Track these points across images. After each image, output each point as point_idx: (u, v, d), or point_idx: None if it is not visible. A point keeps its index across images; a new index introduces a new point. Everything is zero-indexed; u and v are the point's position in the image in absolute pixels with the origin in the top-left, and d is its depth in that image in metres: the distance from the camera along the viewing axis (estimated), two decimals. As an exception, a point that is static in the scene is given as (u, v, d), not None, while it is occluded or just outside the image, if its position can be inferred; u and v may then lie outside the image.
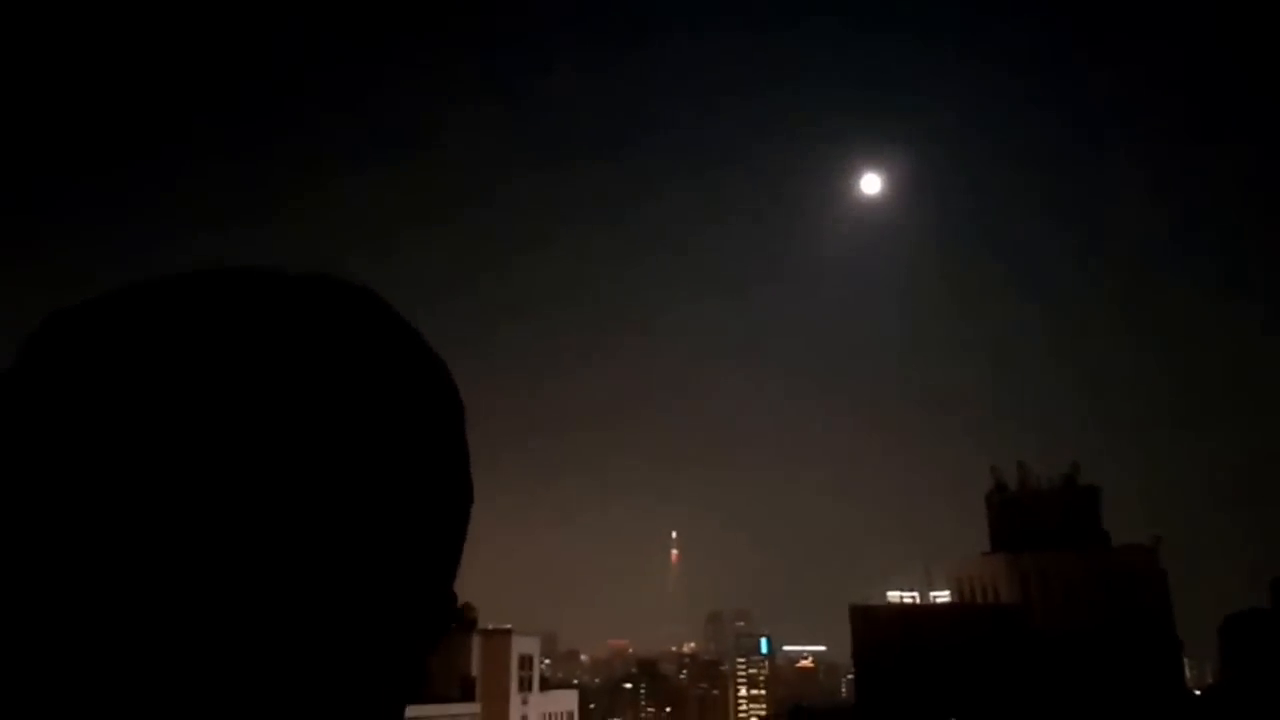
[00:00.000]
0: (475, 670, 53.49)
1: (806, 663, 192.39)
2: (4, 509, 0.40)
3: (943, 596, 72.48)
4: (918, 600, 75.28)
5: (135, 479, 0.39)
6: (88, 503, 0.39)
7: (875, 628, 60.62)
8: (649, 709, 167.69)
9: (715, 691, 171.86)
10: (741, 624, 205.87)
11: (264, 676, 0.41)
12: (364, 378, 0.44)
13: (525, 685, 57.71)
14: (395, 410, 0.45)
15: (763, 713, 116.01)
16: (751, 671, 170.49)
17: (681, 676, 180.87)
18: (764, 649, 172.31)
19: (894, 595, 79.03)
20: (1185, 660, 56.06)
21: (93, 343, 0.42)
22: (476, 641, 54.25)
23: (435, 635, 0.50)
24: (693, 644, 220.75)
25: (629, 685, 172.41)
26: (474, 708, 51.23)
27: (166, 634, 0.39)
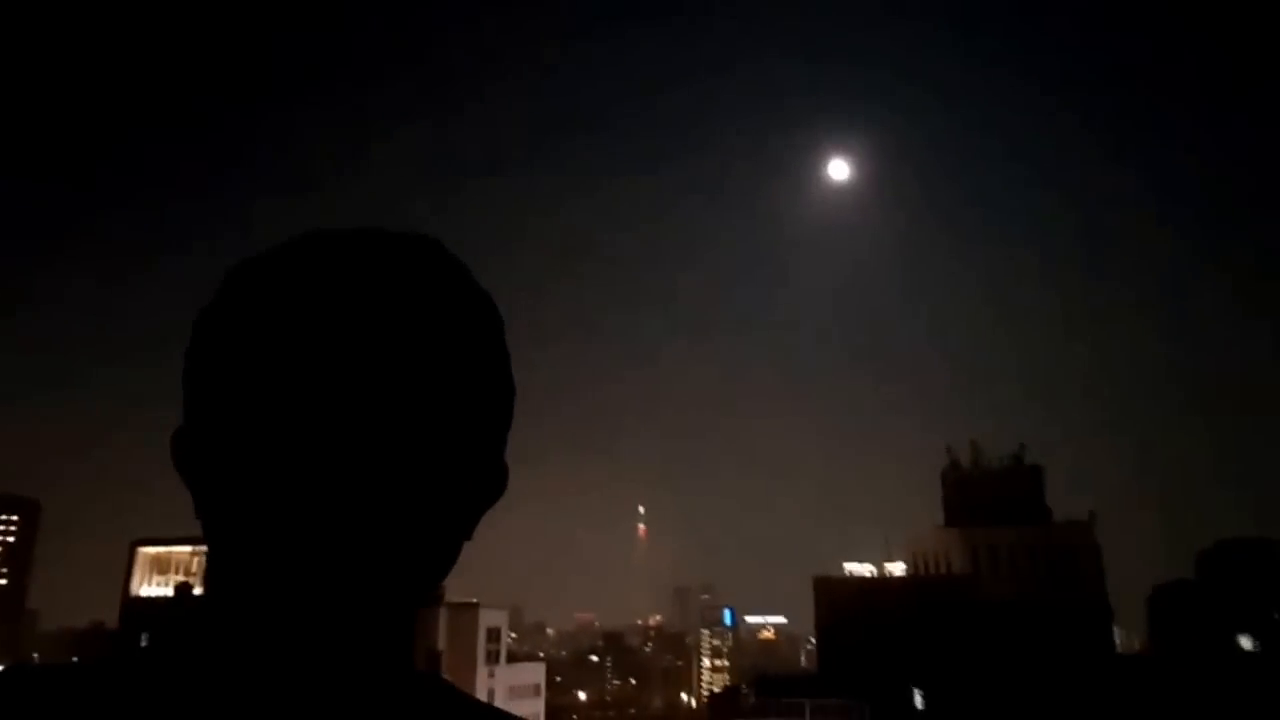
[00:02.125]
0: (441, 644, 55.22)
1: (768, 633, 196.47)
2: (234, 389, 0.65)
3: (898, 568, 75.38)
4: (875, 572, 78.11)
5: (315, 383, 0.62)
6: (288, 388, 0.63)
7: (836, 598, 63.10)
8: (614, 681, 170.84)
9: (680, 663, 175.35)
10: (707, 596, 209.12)
11: (395, 509, 0.63)
12: (445, 306, 0.68)
13: (492, 658, 59.46)
14: (467, 329, 0.69)
15: (726, 682, 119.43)
16: (715, 643, 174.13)
17: (647, 649, 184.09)
18: (728, 620, 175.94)
19: (852, 567, 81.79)
20: (1116, 628, 59.45)
21: (266, 286, 0.67)
22: (443, 615, 55.84)
23: (495, 493, 0.74)
24: (658, 617, 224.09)
25: (595, 658, 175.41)
26: (442, 680, 52.97)
27: (346, 476, 0.62)
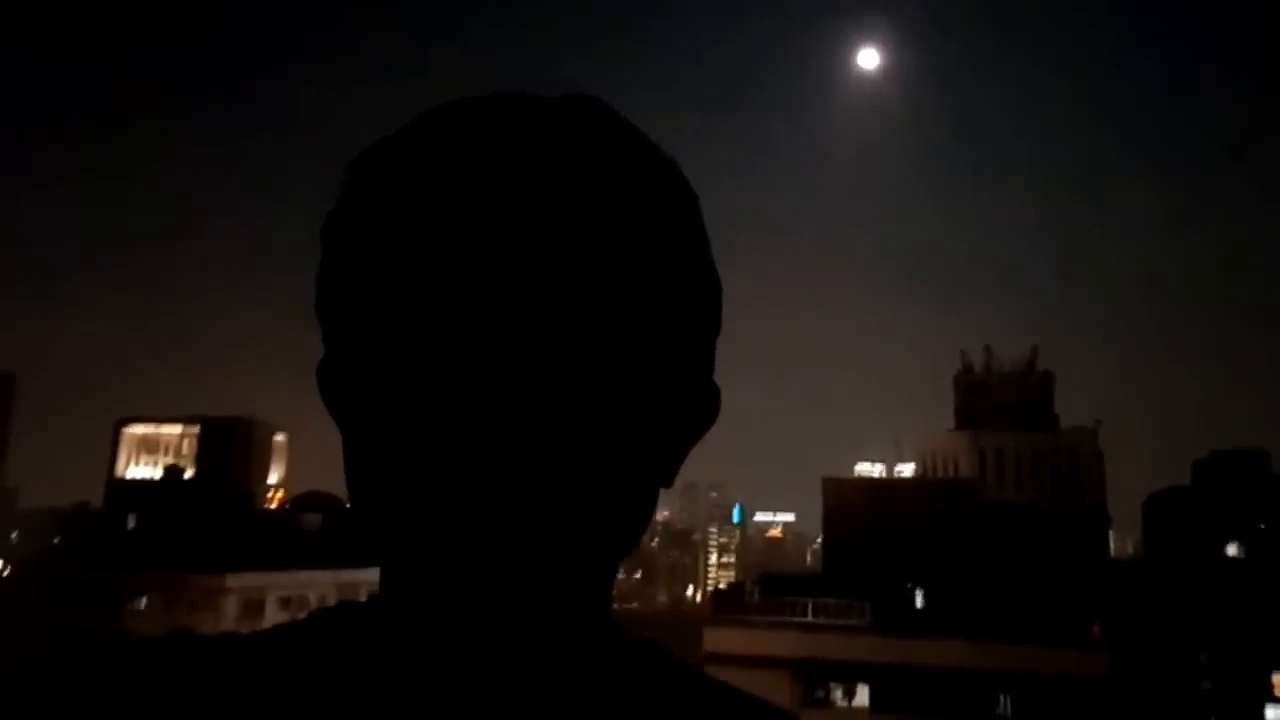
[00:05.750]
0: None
1: (775, 532, 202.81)
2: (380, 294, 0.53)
3: (908, 469, 79.13)
4: (885, 473, 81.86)
5: (462, 279, 0.50)
6: (436, 286, 0.51)
7: (844, 498, 66.55)
8: (620, 575, 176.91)
9: (687, 559, 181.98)
10: (715, 494, 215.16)
11: (581, 450, 0.51)
12: (625, 182, 0.54)
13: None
14: (656, 209, 0.54)
15: (732, 579, 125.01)
16: (723, 540, 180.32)
17: (654, 544, 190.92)
18: (736, 518, 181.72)
19: (862, 467, 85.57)
20: (1111, 533, 63.18)
21: (401, 179, 0.54)
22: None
23: (704, 422, 0.60)
24: (666, 512, 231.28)
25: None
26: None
27: (504, 393, 0.49)
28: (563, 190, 0.52)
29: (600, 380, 0.51)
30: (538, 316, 0.50)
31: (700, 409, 0.60)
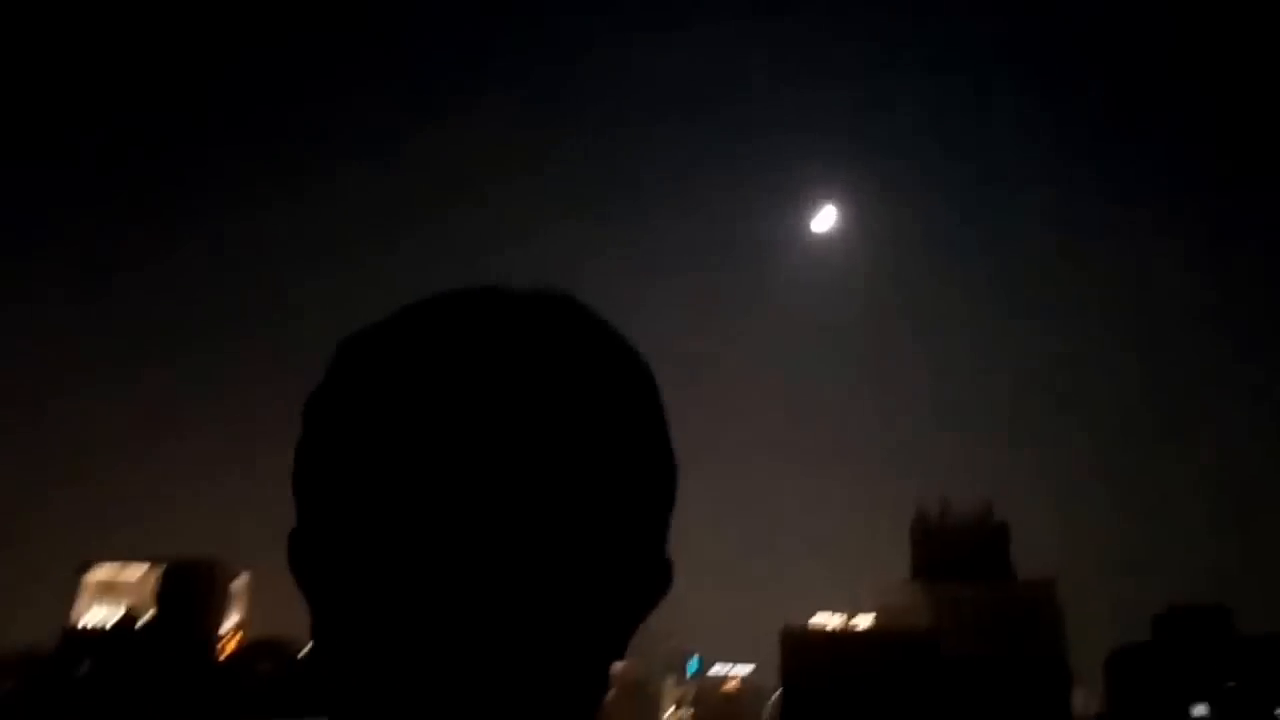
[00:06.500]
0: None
1: (732, 684, 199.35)
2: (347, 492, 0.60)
3: (867, 619, 79.09)
4: (843, 623, 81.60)
5: (436, 475, 0.58)
6: (412, 484, 0.58)
7: (802, 651, 66.59)
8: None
9: (641, 711, 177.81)
10: (671, 641, 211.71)
11: (528, 623, 0.58)
12: (591, 378, 0.62)
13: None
14: (619, 402, 0.63)
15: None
16: (679, 692, 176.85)
17: (608, 697, 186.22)
18: (693, 669, 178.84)
19: (821, 617, 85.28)
20: (1075, 689, 63.20)
21: (382, 366, 0.62)
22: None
23: (656, 595, 0.67)
24: (621, 663, 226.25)
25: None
26: None
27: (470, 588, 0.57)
28: (530, 388, 0.60)
29: (559, 567, 0.59)
30: (500, 507, 0.57)
31: (653, 583, 0.67)
